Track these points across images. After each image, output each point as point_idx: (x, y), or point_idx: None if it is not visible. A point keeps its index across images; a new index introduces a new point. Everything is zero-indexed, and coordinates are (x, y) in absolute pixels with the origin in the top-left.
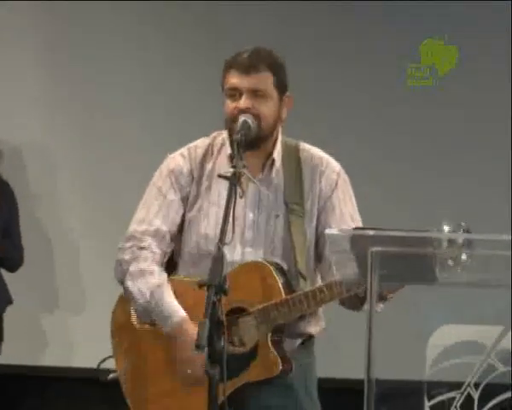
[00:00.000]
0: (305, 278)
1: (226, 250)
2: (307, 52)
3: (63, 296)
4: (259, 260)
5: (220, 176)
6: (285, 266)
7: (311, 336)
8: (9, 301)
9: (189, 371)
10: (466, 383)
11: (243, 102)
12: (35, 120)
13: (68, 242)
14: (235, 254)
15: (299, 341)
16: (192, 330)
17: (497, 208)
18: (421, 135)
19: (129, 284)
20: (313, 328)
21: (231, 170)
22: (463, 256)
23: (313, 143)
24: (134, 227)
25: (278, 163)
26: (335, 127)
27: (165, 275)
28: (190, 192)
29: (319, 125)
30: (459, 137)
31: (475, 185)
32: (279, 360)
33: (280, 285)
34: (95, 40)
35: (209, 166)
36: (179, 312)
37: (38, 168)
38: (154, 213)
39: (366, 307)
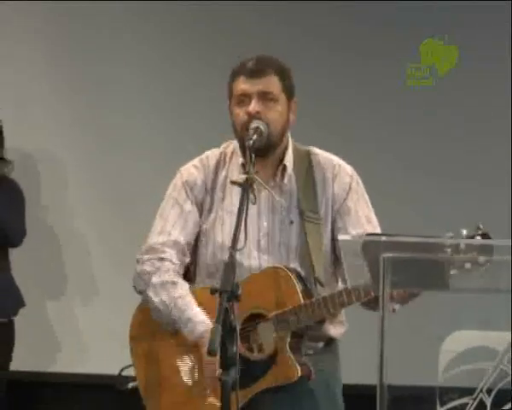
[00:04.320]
0: (322, 285)
1: (244, 258)
2: (307, 52)
3: (75, 302)
4: (279, 265)
5: (233, 182)
6: (302, 273)
7: (333, 339)
8: (22, 304)
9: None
10: (478, 389)
11: (253, 106)
12: (46, 128)
13: (80, 247)
14: (252, 261)
15: (321, 344)
16: None
17: (497, 210)
18: (421, 136)
19: (152, 295)
20: (334, 331)
21: (244, 176)
22: (481, 259)
23: (312, 145)
24: (153, 239)
25: (290, 169)
26: (334, 127)
27: (187, 286)
28: (205, 203)
29: (318, 125)
30: (459, 137)
31: (475, 187)
32: (298, 366)
33: (299, 291)
34: (108, 49)
35: (222, 175)
36: (204, 321)
37: (50, 176)
38: (171, 225)
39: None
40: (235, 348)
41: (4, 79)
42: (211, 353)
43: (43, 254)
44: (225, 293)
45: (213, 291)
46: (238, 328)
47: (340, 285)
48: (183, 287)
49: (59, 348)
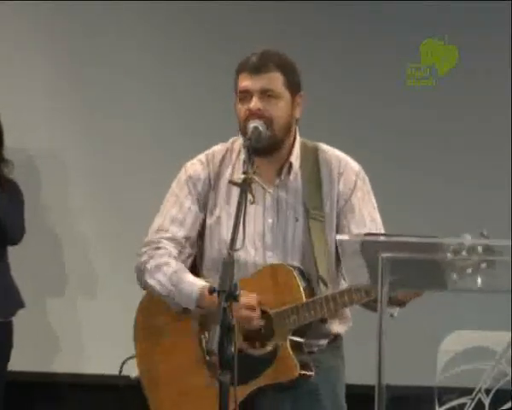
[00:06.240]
0: (326, 284)
1: (249, 255)
2: (306, 52)
3: (76, 302)
4: (282, 263)
5: (231, 182)
6: (305, 271)
7: (337, 336)
8: (21, 305)
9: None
10: (477, 389)
11: (254, 103)
12: (46, 128)
13: (81, 247)
14: (257, 257)
15: (325, 341)
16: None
17: (497, 212)
18: (420, 137)
19: (148, 280)
20: (339, 327)
21: (242, 176)
22: (483, 265)
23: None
24: (150, 236)
25: (296, 166)
26: (333, 128)
27: (182, 265)
28: (209, 199)
29: (317, 125)
30: (459, 138)
31: (475, 189)
32: (297, 364)
33: (302, 289)
34: (110, 49)
35: (228, 171)
36: (198, 284)
37: (51, 176)
38: (169, 222)
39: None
40: (233, 349)
41: (4, 79)
42: (209, 353)
43: (44, 254)
44: (223, 293)
45: (211, 291)
46: (236, 328)
47: (344, 284)
48: (178, 265)
49: (59, 349)
